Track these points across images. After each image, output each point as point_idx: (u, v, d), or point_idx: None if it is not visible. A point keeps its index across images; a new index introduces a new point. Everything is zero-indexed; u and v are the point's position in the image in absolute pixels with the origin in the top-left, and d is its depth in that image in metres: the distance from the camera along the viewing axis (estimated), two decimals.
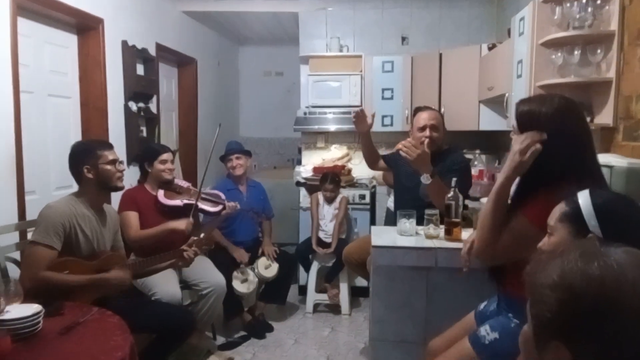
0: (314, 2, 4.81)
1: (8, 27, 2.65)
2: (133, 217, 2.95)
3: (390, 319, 2.43)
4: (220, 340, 3.40)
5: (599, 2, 2.38)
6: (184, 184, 3.21)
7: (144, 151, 3.26)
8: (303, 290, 4.12)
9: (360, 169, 4.48)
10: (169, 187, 3.08)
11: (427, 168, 2.47)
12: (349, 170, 4.63)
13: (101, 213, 2.42)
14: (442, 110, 3.92)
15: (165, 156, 3.08)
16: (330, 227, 3.97)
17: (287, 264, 3.71)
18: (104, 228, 2.40)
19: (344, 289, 3.92)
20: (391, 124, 4.45)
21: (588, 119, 2.33)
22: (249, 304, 3.65)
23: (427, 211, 2.44)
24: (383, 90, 4.44)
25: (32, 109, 2.98)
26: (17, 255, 2.49)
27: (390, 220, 3.28)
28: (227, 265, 3.35)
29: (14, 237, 2.57)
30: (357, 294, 4.14)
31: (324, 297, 3.98)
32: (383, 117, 4.44)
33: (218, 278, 3.07)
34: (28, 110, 2.88)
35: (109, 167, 2.35)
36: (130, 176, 3.44)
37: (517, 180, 1.64)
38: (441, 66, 4.25)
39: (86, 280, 2.18)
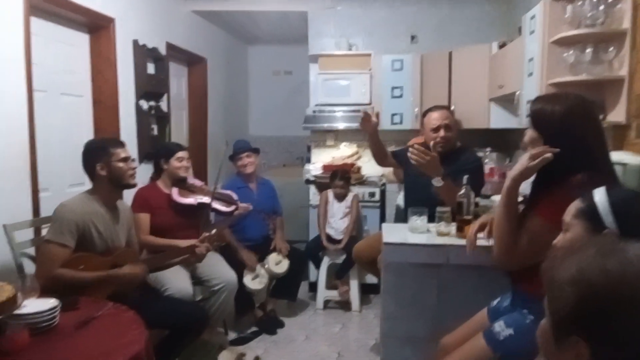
0: (323, 1, 4.82)
1: (21, 26, 2.68)
2: (144, 219, 2.98)
3: (401, 316, 2.43)
4: (232, 335, 3.42)
5: (610, 0, 2.37)
6: (198, 182, 3.23)
7: (160, 148, 3.28)
8: (313, 287, 4.14)
9: (369, 166, 4.48)
10: (183, 185, 3.10)
11: (438, 172, 2.48)
12: (359, 168, 4.64)
13: (114, 210, 2.44)
14: (452, 108, 3.92)
15: (182, 154, 3.11)
16: (340, 224, 3.98)
17: (298, 260, 3.73)
18: (118, 225, 2.43)
19: (354, 286, 3.93)
20: (400, 122, 4.45)
21: (600, 117, 2.33)
22: (260, 300, 3.67)
23: (439, 208, 2.44)
24: (392, 88, 4.44)
25: (46, 107, 3.00)
26: (32, 251, 2.52)
27: (400, 217, 3.29)
28: (238, 262, 3.37)
29: (29, 233, 2.60)
30: (367, 291, 4.15)
31: (334, 294, 4.00)
32: (392, 115, 4.45)
33: (229, 274, 3.09)
34: (41, 109, 2.90)
35: (121, 164, 2.37)
36: (142, 174, 3.46)
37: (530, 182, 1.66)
38: (451, 64, 4.25)
39: (99, 276, 2.21)
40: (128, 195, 2.89)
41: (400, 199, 3.48)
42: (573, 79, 2.50)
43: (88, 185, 2.45)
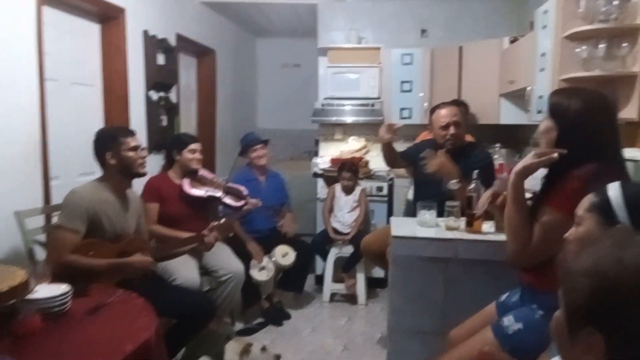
0: None
1: (34, 15, 2.69)
2: (153, 209, 2.99)
3: (408, 310, 2.44)
4: (239, 326, 3.45)
5: None
6: (209, 175, 3.24)
7: (173, 140, 3.29)
8: (320, 280, 4.15)
9: (377, 161, 4.45)
10: (194, 176, 3.12)
11: (453, 174, 2.48)
12: (367, 163, 4.63)
13: (124, 198, 2.46)
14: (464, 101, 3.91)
15: (195, 146, 3.12)
16: (347, 218, 3.98)
17: (305, 253, 3.74)
18: (127, 213, 2.45)
19: (360, 280, 3.94)
20: (410, 117, 4.44)
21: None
22: (266, 292, 3.68)
23: (448, 203, 2.45)
24: (402, 82, 4.43)
25: (57, 96, 3.02)
26: (43, 238, 2.55)
27: (410, 212, 3.29)
28: (245, 253, 3.39)
29: (40, 220, 2.63)
30: (373, 284, 4.15)
31: (340, 287, 4.01)
32: (401, 109, 4.45)
33: (237, 265, 3.11)
34: (53, 98, 2.92)
35: (131, 153, 2.38)
36: (152, 164, 3.48)
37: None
38: (461, 59, 4.23)
39: (109, 264, 2.22)
40: (139, 185, 2.91)
41: (411, 194, 3.48)
42: (585, 75, 2.48)
43: (98, 174, 2.47)
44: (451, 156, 2.67)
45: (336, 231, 3.98)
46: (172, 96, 4.26)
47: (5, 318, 1.55)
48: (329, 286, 3.99)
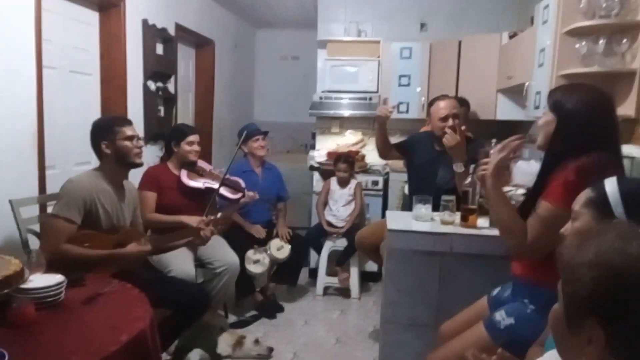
0: None
1: (33, 2, 2.66)
2: (151, 198, 2.99)
3: (402, 302, 2.45)
4: (232, 318, 3.45)
5: None
6: (207, 166, 3.23)
7: (172, 131, 3.28)
8: (313, 274, 4.15)
9: (374, 155, 4.43)
10: (193, 168, 3.11)
11: (462, 156, 2.50)
12: (363, 157, 4.63)
13: (121, 189, 2.44)
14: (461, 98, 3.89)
15: (193, 138, 3.10)
16: (342, 211, 3.98)
17: (299, 246, 3.74)
18: (123, 203, 2.43)
19: (354, 274, 3.94)
20: (407, 111, 4.43)
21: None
22: (260, 284, 3.68)
23: (444, 197, 2.45)
24: (400, 77, 4.42)
25: (55, 84, 3.00)
26: (38, 227, 2.53)
27: (407, 205, 3.29)
28: (240, 245, 3.38)
29: (35, 209, 2.61)
30: (367, 278, 4.16)
31: (334, 281, 4.01)
32: (399, 104, 4.42)
33: (232, 257, 3.10)
34: (50, 86, 2.90)
35: (126, 142, 2.36)
36: (148, 154, 3.47)
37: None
38: (460, 54, 4.22)
39: (104, 255, 2.22)
40: (137, 176, 2.90)
41: (407, 188, 3.48)
42: (584, 71, 2.47)
43: (95, 164, 2.45)
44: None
45: (331, 224, 3.98)
46: (170, 86, 4.24)
47: None
48: (323, 279, 4.00)
